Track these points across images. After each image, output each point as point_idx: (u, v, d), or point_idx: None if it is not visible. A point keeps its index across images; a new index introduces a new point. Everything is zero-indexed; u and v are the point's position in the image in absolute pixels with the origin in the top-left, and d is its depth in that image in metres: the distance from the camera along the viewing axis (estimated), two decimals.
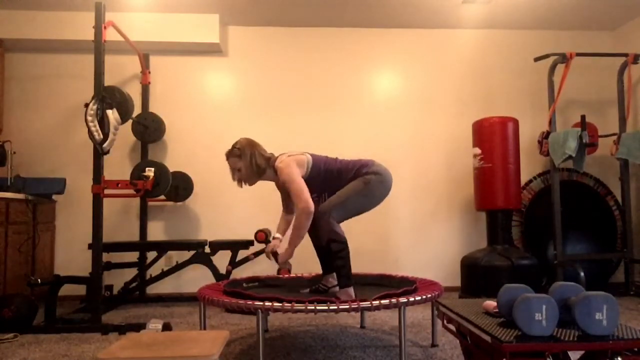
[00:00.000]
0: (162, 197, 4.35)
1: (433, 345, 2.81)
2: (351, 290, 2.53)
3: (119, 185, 3.50)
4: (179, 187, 4.56)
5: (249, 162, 2.66)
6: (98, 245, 3.35)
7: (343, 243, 2.53)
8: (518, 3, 4.47)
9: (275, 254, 2.77)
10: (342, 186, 2.68)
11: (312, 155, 2.74)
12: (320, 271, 4.00)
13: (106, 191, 3.43)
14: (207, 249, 4.22)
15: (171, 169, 4.49)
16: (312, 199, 2.73)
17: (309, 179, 2.68)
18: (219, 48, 4.77)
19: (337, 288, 2.61)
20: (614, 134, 4.54)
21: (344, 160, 2.78)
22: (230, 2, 4.41)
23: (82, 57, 4.77)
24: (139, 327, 3.20)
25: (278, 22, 4.84)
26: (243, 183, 2.76)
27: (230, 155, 2.70)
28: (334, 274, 2.82)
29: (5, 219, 3.76)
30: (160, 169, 3.76)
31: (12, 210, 3.84)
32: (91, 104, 3.34)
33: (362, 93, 4.94)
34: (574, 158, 4.17)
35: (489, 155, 4.29)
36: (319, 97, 4.92)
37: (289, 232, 2.74)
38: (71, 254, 4.62)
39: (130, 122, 4.51)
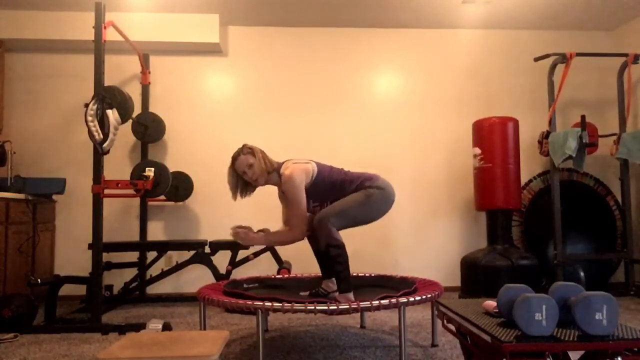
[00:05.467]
0: (162, 197, 4.35)
1: (433, 345, 2.81)
2: (351, 295, 2.53)
3: (119, 185, 3.50)
4: (179, 187, 4.56)
5: (261, 157, 2.68)
6: (98, 245, 3.35)
7: (341, 248, 2.53)
8: (518, 3, 4.47)
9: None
10: (344, 197, 2.68)
11: (317, 164, 2.73)
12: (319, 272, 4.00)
13: (106, 191, 3.43)
14: (207, 249, 4.22)
15: (171, 169, 4.49)
16: (313, 207, 2.75)
17: (312, 188, 2.68)
18: (219, 48, 4.78)
19: (336, 293, 2.61)
20: (614, 134, 4.54)
21: (349, 172, 2.78)
22: (230, 2, 4.41)
23: (82, 57, 4.77)
24: (139, 327, 3.20)
25: (278, 22, 4.84)
26: (241, 195, 2.76)
27: (240, 153, 2.69)
28: (334, 278, 2.82)
29: (5, 219, 3.76)
30: (160, 169, 3.76)
31: (12, 210, 3.84)
32: (91, 104, 3.34)
33: (362, 93, 4.94)
34: (574, 158, 4.17)
35: (489, 155, 4.29)
36: (319, 97, 4.92)
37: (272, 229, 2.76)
38: (71, 254, 4.62)
39: (130, 122, 4.51)
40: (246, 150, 2.70)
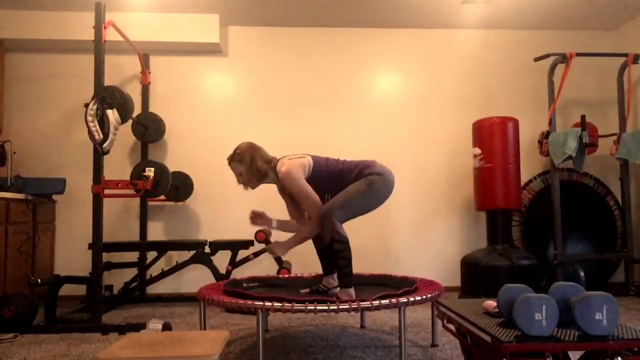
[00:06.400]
0: (162, 197, 4.35)
1: (433, 345, 2.81)
2: (352, 290, 2.53)
3: (119, 185, 3.50)
4: (179, 187, 4.56)
5: (249, 167, 2.68)
6: (98, 245, 3.35)
7: (345, 243, 2.53)
8: (518, 3, 4.47)
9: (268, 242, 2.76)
10: (344, 187, 2.67)
11: (312, 157, 2.73)
12: (320, 271, 4.00)
13: (106, 191, 3.43)
14: (207, 249, 4.22)
15: (171, 169, 4.49)
16: None
17: (310, 181, 2.68)
18: (219, 48, 4.78)
19: (337, 289, 2.61)
20: (614, 134, 4.54)
21: (346, 161, 2.77)
22: (230, 2, 4.41)
23: (82, 57, 4.77)
24: (139, 327, 3.20)
25: (278, 22, 4.84)
26: (246, 187, 2.78)
27: (231, 160, 2.72)
28: (335, 275, 2.82)
29: (5, 219, 3.76)
30: (160, 169, 3.76)
31: (12, 210, 3.84)
32: (91, 104, 3.34)
33: (362, 93, 4.95)
34: (574, 158, 4.17)
35: (489, 155, 4.29)
36: (319, 97, 4.92)
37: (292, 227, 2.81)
38: (71, 254, 4.62)
39: (130, 122, 4.51)
40: (236, 157, 2.70)
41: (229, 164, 2.73)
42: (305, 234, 2.66)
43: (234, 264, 4.19)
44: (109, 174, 4.54)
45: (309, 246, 3.07)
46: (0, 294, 3.62)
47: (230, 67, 4.89)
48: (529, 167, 4.91)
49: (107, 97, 3.42)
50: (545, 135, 4.35)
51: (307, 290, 2.85)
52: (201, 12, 4.58)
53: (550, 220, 4.42)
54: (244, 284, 3.02)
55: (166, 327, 2.88)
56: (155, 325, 2.84)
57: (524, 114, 5.00)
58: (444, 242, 4.88)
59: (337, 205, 2.56)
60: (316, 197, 2.62)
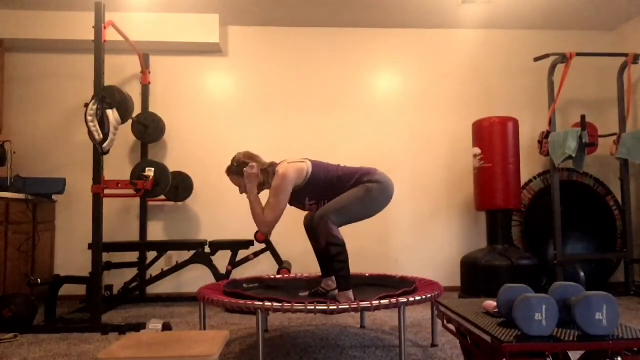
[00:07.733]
0: (162, 197, 4.35)
1: (433, 345, 2.81)
2: (350, 293, 2.52)
3: (119, 185, 3.50)
4: (179, 187, 4.56)
5: (247, 176, 2.68)
6: (98, 245, 3.35)
7: (341, 246, 2.52)
8: (518, 3, 4.47)
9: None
10: (342, 193, 2.67)
11: (312, 162, 2.72)
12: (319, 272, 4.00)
13: (106, 191, 3.43)
14: (207, 249, 4.22)
15: (171, 169, 4.49)
16: (310, 205, 2.74)
17: (307, 186, 2.67)
18: (219, 48, 4.78)
19: (336, 291, 2.61)
20: (614, 134, 4.54)
21: (347, 167, 2.76)
22: (230, 2, 4.41)
23: (82, 57, 4.77)
24: (139, 327, 3.20)
25: (278, 22, 4.84)
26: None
27: (229, 172, 2.72)
28: (334, 277, 2.82)
29: (5, 219, 3.76)
30: (160, 169, 3.76)
31: (12, 210, 3.84)
32: (91, 104, 3.34)
33: (362, 93, 4.94)
34: (574, 158, 4.17)
35: (489, 155, 4.29)
36: (319, 97, 4.92)
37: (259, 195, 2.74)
38: (71, 254, 4.62)
39: (130, 122, 4.51)
40: (234, 169, 2.70)
41: (228, 175, 2.73)
42: (260, 213, 2.63)
43: (234, 264, 4.19)
44: (109, 174, 4.54)
45: (309, 248, 3.07)
46: (0, 294, 3.62)
47: (230, 67, 4.89)
48: (529, 167, 4.91)
49: (107, 97, 3.42)
50: (545, 135, 4.35)
51: (307, 293, 2.85)
52: (201, 12, 4.58)
53: (550, 220, 4.42)
54: (244, 285, 3.02)
55: (166, 327, 2.88)
56: (155, 325, 2.84)
57: (524, 114, 5.00)
58: (444, 242, 4.88)
59: (333, 209, 2.56)
60: (278, 216, 2.62)
